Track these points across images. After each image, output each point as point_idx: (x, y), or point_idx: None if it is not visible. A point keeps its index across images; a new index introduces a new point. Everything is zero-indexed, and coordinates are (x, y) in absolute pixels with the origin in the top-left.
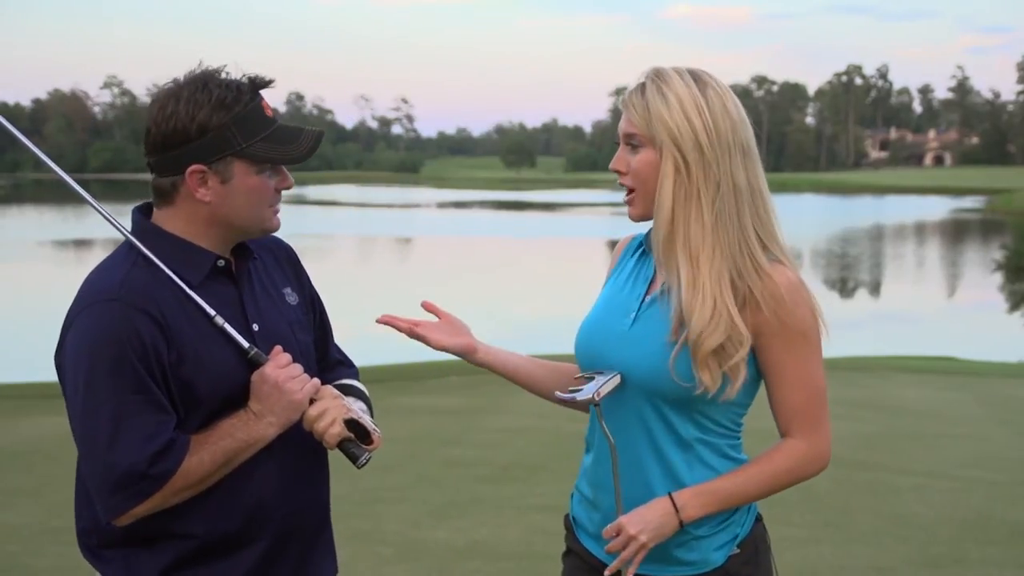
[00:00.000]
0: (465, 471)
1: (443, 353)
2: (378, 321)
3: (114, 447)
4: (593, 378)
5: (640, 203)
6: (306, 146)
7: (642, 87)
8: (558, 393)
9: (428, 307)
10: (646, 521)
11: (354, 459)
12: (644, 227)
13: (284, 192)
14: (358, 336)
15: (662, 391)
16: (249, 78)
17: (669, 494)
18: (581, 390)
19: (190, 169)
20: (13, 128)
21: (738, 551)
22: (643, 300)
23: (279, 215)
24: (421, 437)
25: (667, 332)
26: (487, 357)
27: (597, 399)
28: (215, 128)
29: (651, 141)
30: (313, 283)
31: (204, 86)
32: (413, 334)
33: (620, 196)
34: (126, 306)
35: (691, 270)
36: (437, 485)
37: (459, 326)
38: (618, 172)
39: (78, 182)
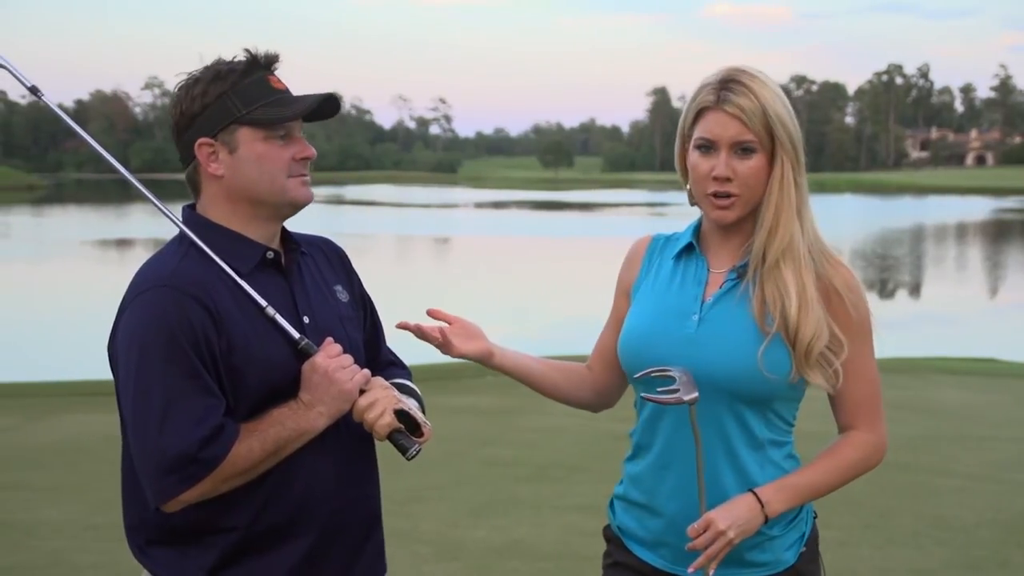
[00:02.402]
0: (503, 471)
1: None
2: (398, 327)
3: (164, 430)
4: (671, 376)
5: (741, 207)
6: (310, 101)
7: (746, 91)
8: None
9: (435, 314)
10: (735, 516)
11: (404, 450)
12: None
13: (322, 192)
14: (394, 335)
15: (742, 389)
16: (247, 50)
17: (751, 490)
18: (679, 390)
19: (197, 143)
20: (83, 131)
21: (805, 549)
22: (703, 301)
23: (308, 187)
24: (459, 436)
25: (744, 329)
26: (504, 361)
27: (696, 398)
28: (214, 99)
29: (763, 145)
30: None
31: (207, 68)
32: (436, 339)
33: (657, 196)
34: (178, 292)
35: (795, 273)
36: (475, 484)
37: (472, 330)
38: (726, 180)
39: (118, 181)
